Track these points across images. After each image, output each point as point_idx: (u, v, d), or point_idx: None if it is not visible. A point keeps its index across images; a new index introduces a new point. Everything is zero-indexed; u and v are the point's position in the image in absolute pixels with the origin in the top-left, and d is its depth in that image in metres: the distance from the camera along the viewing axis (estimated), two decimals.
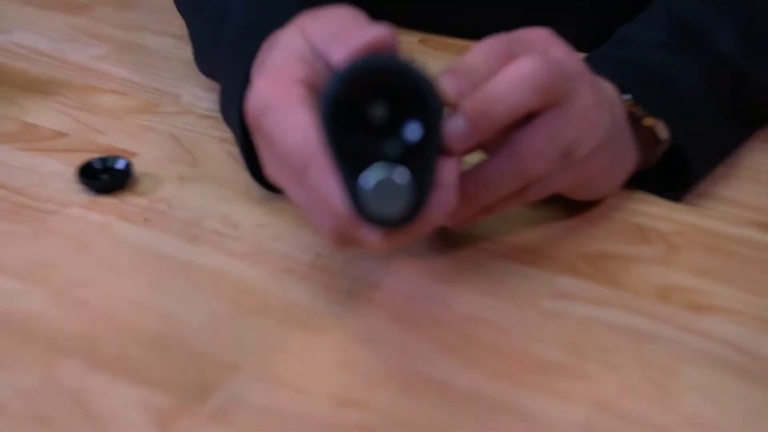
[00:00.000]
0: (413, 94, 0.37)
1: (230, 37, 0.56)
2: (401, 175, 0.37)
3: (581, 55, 0.52)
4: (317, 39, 0.43)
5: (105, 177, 0.54)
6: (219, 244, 0.49)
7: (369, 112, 0.38)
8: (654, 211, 0.52)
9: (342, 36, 0.42)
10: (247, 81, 0.49)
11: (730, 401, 0.40)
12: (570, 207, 0.51)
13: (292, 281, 0.47)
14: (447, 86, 0.42)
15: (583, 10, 0.72)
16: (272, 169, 0.44)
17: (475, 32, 0.71)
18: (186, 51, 0.68)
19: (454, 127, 0.41)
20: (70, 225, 0.51)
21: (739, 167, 0.57)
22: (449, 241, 0.49)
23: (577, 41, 0.68)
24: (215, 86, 0.62)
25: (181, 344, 0.42)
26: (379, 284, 0.46)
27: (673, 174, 0.53)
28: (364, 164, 0.37)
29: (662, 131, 0.52)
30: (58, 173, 0.55)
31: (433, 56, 0.71)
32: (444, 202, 0.39)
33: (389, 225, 0.38)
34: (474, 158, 0.45)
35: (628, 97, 0.51)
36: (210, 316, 0.44)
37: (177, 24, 0.74)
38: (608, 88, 0.50)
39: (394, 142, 0.38)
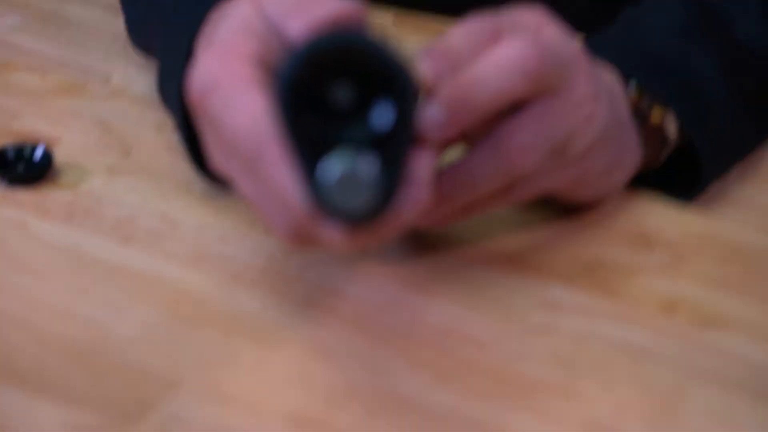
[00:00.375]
0: (382, 74, 0.38)
1: (170, 5, 0.57)
2: (367, 164, 0.38)
3: (580, 39, 0.55)
4: (272, 10, 0.44)
5: (20, 166, 0.55)
6: (155, 246, 0.51)
7: (331, 94, 0.39)
8: (659, 215, 0.54)
9: (300, 8, 0.43)
10: (189, 56, 0.50)
11: (743, 425, 0.42)
12: (563, 209, 0.53)
13: (239, 288, 0.48)
14: (424, 68, 0.43)
15: None
16: (218, 159, 0.45)
17: (456, 10, 0.73)
18: (117, 22, 0.69)
19: (430, 113, 0.42)
20: None
21: (757, 168, 0.59)
22: (423, 245, 0.51)
23: (575, 22, 0.70)
24: (152, 64, 0.64)
25: (111, 357, 0.44)
26: (341, 292, 0.48)
27: (682, 173, 0.55)
28: (324, 152, 0.38)
29: (671, 129, 0.54)
30: None
31: (407, 37, 0.73)
32: (416, 198, 0.40)
33: (353, 222, 0.39)
34: (454, 153, 0.46)
35: (633, 86, 0.53)
36: (144, 326, 0.46)
37: None
38: (609, 77, 0.52)
39: (359, 128, 0.39)
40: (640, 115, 0.53)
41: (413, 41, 0.72)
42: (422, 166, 0.41)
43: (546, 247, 0.52)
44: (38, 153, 0.56)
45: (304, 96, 0.38)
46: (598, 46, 0.55)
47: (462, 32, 0.46)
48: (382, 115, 0.39)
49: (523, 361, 0.45)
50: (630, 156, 0.53)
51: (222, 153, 0.45)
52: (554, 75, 0.46)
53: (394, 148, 0.39)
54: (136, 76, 0.66)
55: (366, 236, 0.40)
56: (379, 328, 0.46)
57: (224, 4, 0.49)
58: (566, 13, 0.61)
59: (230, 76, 0.43)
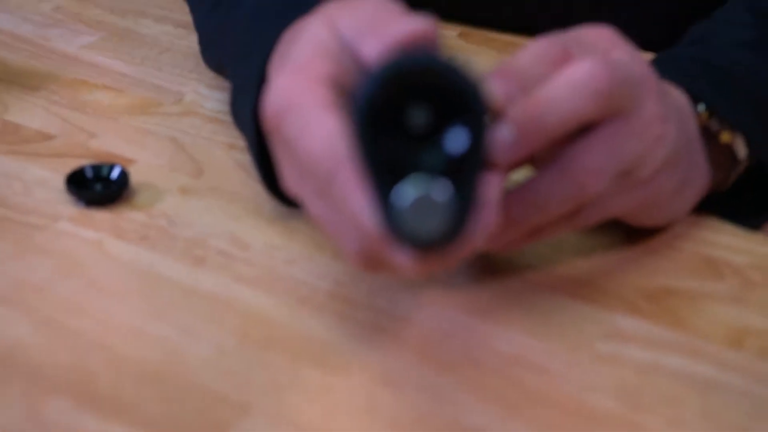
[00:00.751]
0: (457, 98, 0.39)
1: (242, 24, 0.58)
2: (441, 190, 0.39)
3: (649, 58, 0.55)
4: (346, 30, 0.45)
5: (98, 187, 0.57)
6: (226, 268, 0.52)
7: (406, 117, 0.39)
8: (728, 242, 0.54)
9: (375, 28, 0.43)
10: (263, 77, 0.51)
11: None
12: (630, 234, 0.53)
13: (307, 312, 0.49)
14: (494, 89, 0.43)
15: (652, 3, 0.74)
16: (291, 180, 0.46)
17: (524, 26, 0.74)
18: (190, 41, 0.71)
19: (501, 135, 0.42)
20: (58, 242, 0.54)
21: None
22: (490, 270, 0.51)
23: (644, 41, 0.70)
24: (224, 83, 0.65)
25: (184, 380, 0.45)
26: (407, 318, 0.49)
27: (752, 198, 0.55)
28: (398, 176, 0.39)
29: (741, 149, 0.53)
30: (45, 181, 0.58)
31: (475, 53, 0.73)
32: (486, 222, 0.41)
33: (424, 246, 0.40)
34: (521, 175, 0.47)
35: (702, 106, 0.53)
36: (216, 349, 0.47)
37: (180, 8, 0.76)
38: (678, 97, 0.52)
39: (433, 151, 0.39)
40: (709, 135, 0.53)
41: (480, 54, 0.73)
42: (492, 189, 0.42)
43: (612, 273, 0.52)
44: (115, 173, 0.57)
45: (379, 119, 0.39)
46: (665, 66, 0.55)
47: (531, 53, 0.46)
48: (456, 139, 0.39)
49: (589, 392, 0.45)
50: (699, 177, 0.52)
51: (295, 174, 0.45)
52: (624, 96, 0.46)
53: (466, 172, 0.39)
54: (209, 95, 0.67)
55: (436, 261, 0.41)
56: (445, 355, 0.47)
57: (297, 23, 0.50)
58: (634, 31, 0.61)
59: (305, 98, 0.43)
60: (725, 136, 0.53)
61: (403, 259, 0.40)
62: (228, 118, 0.62)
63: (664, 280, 0.51)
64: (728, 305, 0.50)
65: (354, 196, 0.41)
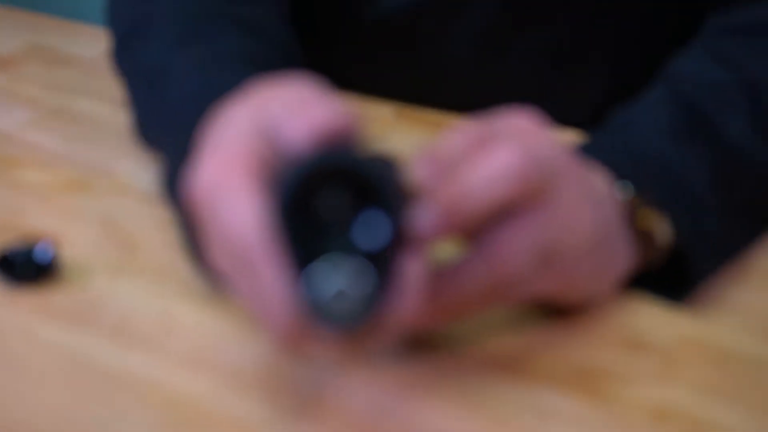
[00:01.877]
0: (370, 186, 0.41)
1: (173, 104, 0.59)
2: (359, 273, 0.40)
3: (572, 141, 0.56)
4: (271, 113, 0.46)
5: (26, 266, 0.56)
6: (154, 348, 0.52)
7: (325, 206, 0.41)
8: (652, 318, 0.55)
9: (298, 112, 0.45)
10: (191, 156, 0.52)
11: None
12: (557, 311, 0.54)
13: (234, 392, 0.49)
14: (418, 173, 0.45)
15: (576, 80, 0.77)
16: (216, 257, 0.47)
17: (457, 105, 0.75)
18: (124, 118, 0.71)
19: (424, 218, 0.44)
20: None
21: (751, 272, 0.59)
22: (418, 346, 0.52)
23: (573, 119, 0.72)
24: (156, 160, 0.65)
25: None
26: (336, 395, 0.48)
27: (674, 274, 0.56)
28: (316, 256, 0.41)
29: (661, 234, 0.54)
30: None
31: (407, 133, 0.75)
32: (408, 304, 0.42)
33: (343, 329, 0.41)
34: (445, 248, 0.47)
35: (623, 189, 0.54)
36: (142, 431, 0.46)
37: (114, 87, 0.76)
38: (599, 180, 0.53)
39: (351, 237, 0.41)
40: (629, 218, 0.54)
41: (412, 134, 0.74)
42: (414, 270, 0.43)
43: (539, 350, 0.52)
44: (44, 252, 0.57)
45: (300, 208, 0.41)
46: (590, 148, 0.56)
47: (455, 138, 0.48)
48: (373, 225, 0.41)
49: None
50: (620, 260, 0.54)
51: (218, 252, 0.46)
52: (542, 181, 0.47)
53: (386, 256, 0.41)
54: (141, 173, 0.67)
55: (358, 342, 0.42)
56: None
57: (225, 105, 0.51)
58: (569, 110, 0.63)
59: (227, 180, 0.44)
60: (643, 219, 0.54)
61: (323, 340, 0.41)
62: (160, 196, 0.62)
63: (590, 356, 0.52)
64: (652, 382, 0.50)
65: (273, 277, 0.42)
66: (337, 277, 0.40)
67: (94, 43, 0.85)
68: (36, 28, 0.93)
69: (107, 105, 0.76)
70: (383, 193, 0.41)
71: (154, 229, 0.61)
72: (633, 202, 0.54)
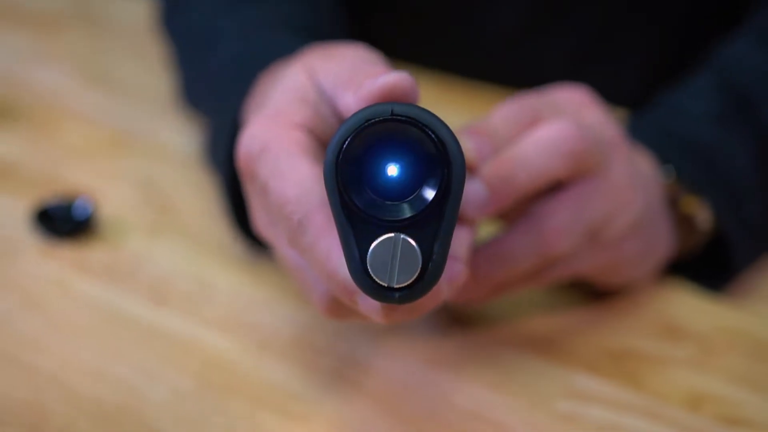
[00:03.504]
0: (434, 151, 0.38)
1: (220, 67, 0.58)
2: (412, 244, 0.38)
3: (622, 115, 0.55)
4: (325, 80, 0.45)
5: (64, 221, 0.56)
6: (189, 309, 0.51)
7: (380, 169, 0.39)
8: (689, 306, 0.54)
9: (352, 80, 0.43)
10: (239, 119, 0.51)
11: None
12: (593, 294, 0.54)
13: (269, 357, 0.49)
14: (467, 147, 0.44)
15: (627, 59, 0.76)
16: (262, 223, 0.46)
17: (500, 79, 0.74)
18: (166, 79, 0.71)
19: (472, 192, 0.43)
20: (21, 276, 0.53)
21: None
22: (454, 323, 0.51)
23: (619, 96, 0.71)
24: (197, 123, 0.65)
25: (140, 423, 0.44)
26: (369, 367, 0.48)
27: (714, 262, 0.55)
28: (370, 227, 0.38)
29: (703, 220, 0.54)
30: (8, 212, 0.58)
31: (451, 105, 0.74)
32: (455, 276, 0.41)
33: (392, 299, 0.40)
34: (487, 228, 0.47)
35: (669, 172, 0.53)
36: (173, 392, 0.46)
37: (157, 51, 0.76)
38: (645, 163, 0.52)
39: (406, 204, 0.38)
40: (674, 205, 0.53)
41: (457, 109, 0.73)
42: (461, 243, 0.42)
43: (574, 332, 0.52)
44: (83, 208, 0.57)
45: (353, 169, 0.38)
46: (636, 130, 0.55)
47: (503, 113, 0.47)
48: (429, 192, 0.38)
49: None
50: (663, 244, 0.53)
51: (266, 218, 0.45)
52: (592, 157, 0.46)
53: (438, 227, 0.39)
54: (182, 134, 0.67)
55: (402, 312, 0.41)
56: (404, 408, 0.46)
57: (276, 69, 0.50)
58: (612, 89, 0.62)
59: (280, 143, 0.43)
60: (686, 204, 0.53)
61: (369, 309, 0.40)
62: (200, 159, 0.62)
63: (626, 341, 0.51)
64: (687, 369, 0.50)
65: (324, 244, 0.40)
66: (389, 246, 0.39)
67: (138, 6, 0.84)
68: None
69: (150, 69, 0.76)
70: (449, 159, 0.38)
71: (191, 192, 0.61)
72: (676, 187, 0.53)
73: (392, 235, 0.38)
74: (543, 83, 0.52)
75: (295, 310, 0.52)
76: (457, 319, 0.52)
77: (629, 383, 0.49)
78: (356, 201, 0.38)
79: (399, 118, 0.38)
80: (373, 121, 0.38)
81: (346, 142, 0.38)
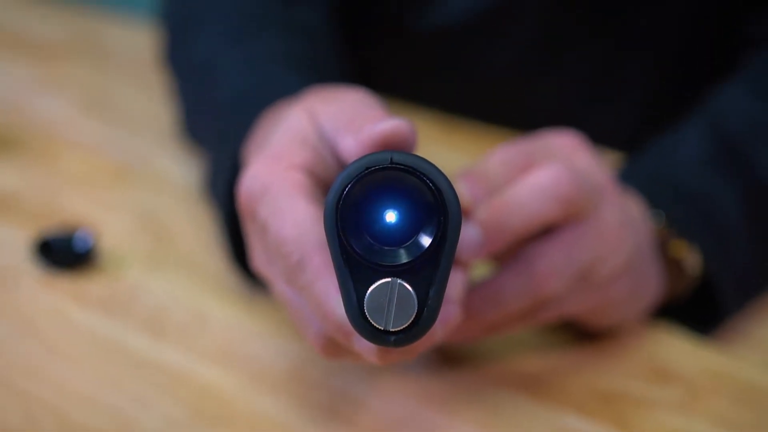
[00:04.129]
0: (431, 199, 0.39)
1: (222, 102, 0.59)
2: (408, 289, 0.39)
3: (613, 163, 0.56)
4: (326, 123, 0.45)
5: (65, 253, 0.57)
6: (185, 341, 0.52)
7: (379, 215, 0.39)
8: (677, 349, 0.55)
9: (352, 124, 0.44)
10: (237, 158, 0.52)
11: None
12: (583, 335, 0.54)
13: (262, 390, 0.49)
14: (462, 191, 0.45)
15: (614, 103, 0.77)
16: (260, 261, 0.46)
17: (498, 120, 0.75)
18: (167, 110, 0.72)
19: (467, 236, 0.44)
20: (20, 304, 0.54)
21: None
22: (446, 361, 0.52)
23: (612, 134, 0.72)
24: (197, 155, 0.66)
25: None
26: (361, 403, 0.49)
27: (702, 306, 0.56)
28: (368, 271, 0.39)
29: (691, 265, 0.54)
30: (9, 242, 0.58)
31: (449, 145, 0.75)
32: (449, 318, 0.42)
33: (387, 341, 0.40)
34: (480, 269, 0.48)
35: (658, 218, 0.54)
36: (167, 422, 0.47)
37: (157, 78, 0.77)
38: (635, 207, 0.53)
39: (403, 250, 0.39)
40: (664, 249, 0.54)
41: (457, 149, 0.74)
42: (456, 285, 0.43)
43: (564, 373, 0.52)
44: (83, 239, 0.57)
45: (352, 214, 0.39)
46: (626, 175, 0.56)
47: (497, 157, 0.48)
48: (425, 237, 0.39)
49: None
50: (651, 287, 0.54)
51: (265, 256, 0.45)
52: (584, 201, 0.47)
53: (433, 270, 0.39)
54: (180, 168, 0.68)
55: (398, 353, 0.41)
56: None
57: (277, 109, 0.51)
58: (607, 130, 0.63)
59: (281, 184, 0.43)
60: (675, 249, 0.54)
61: (364, 350, 0.41)
62: (199, 191, 0.63)
63: (614, 382, 0.52)
64: (674, 413, 0.51)
65: (321, 284, 0.41)
66: (385, 291, 0.39)
67: (138, 37, 0.86)
68: (82, 19, 0.94)
69: (150, 99, 0.77)
70: (445, 206, 0.39)
71: (189, 224, 0.62)
72: (665, 232, 0.54)
73: (389, 279, 0.39)
74: (538, 122, 0.53)
75: (290, 343, 0.52)
76: (449, 358, 0.52)
77: (617, 425, 0.49)
78: (355, 246, 0.39)
79: (398, 166, 0.39)
80: (372, 168, 0.39)
81: (346, 189, 0.39)
